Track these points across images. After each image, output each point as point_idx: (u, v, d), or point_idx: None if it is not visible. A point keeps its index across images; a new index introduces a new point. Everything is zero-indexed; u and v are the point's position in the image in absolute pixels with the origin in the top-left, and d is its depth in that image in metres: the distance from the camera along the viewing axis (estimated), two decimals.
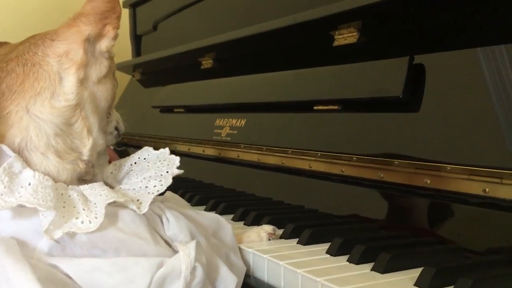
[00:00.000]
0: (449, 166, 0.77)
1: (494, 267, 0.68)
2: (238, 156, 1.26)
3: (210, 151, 1.39)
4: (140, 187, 0.72)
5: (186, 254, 0.64)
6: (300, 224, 0.86)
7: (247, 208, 0.98)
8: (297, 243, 0.81)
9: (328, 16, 1.01)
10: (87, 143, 0.69)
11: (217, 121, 1.39)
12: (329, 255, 0.75)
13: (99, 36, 0.70)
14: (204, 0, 1.66)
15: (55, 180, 0.65)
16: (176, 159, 0.77)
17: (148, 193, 0.71)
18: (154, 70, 1.98)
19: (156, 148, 0.79)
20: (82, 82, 0.69)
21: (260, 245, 0.81)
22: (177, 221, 0.70)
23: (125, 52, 2.20)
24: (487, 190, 0.73)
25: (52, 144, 0.66)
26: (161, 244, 0.67)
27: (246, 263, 0.78)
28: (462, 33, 0.89)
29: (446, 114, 0.83)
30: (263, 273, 0.76)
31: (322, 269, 0.69)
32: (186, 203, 0.83)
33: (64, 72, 0.67)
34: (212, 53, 1.53)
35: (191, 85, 1.62)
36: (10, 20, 2.13)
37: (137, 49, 2.16)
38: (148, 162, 0.77)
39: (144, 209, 0.67)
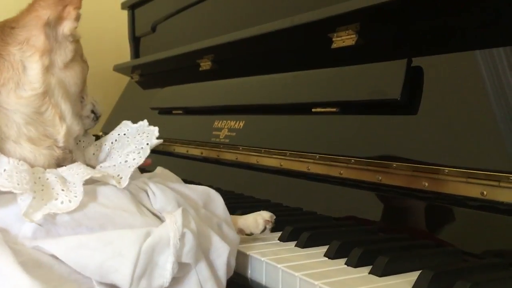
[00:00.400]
0: (447, 169, 0.77)
1: (492, 270, 0.68)
2: (237, 158, 1.26)
3: (208, 153, 1.38)
4: (120, 162, 0.72)
5: (172, 222, 0.63)
6: (298, 226, 0.86)
7: (245, 210, 0.98)
8: (295, 245, 0.81)
9: (326, 18, 1.01)
10: (60, 130, 0.68)
11: (216, 123, 1.39)
12: (327, 258, 0.75)
13: (59, 19, 0.68)
14: (203, 2, 1.66)
15: (32, 166, 0.65)
16: (155, 129, 0.77)
17: (128, 166, 0.70)
18: (152, 71, 1.98)
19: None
20: (48, 69, 0.67)
21: (258, 247, 0.81)
22: (163, 193, 0.69)
23: (123, 53, 2.20)
24: (485, 193, 0.73)
25: (24, 132, 0.65)
26: (148, 216, 0.66)
27: (244, 265, 0.78)
28: (460, 35, 0.89)
29: (444, 116, 0.83)
30: (261, 275, 0.76)
31: (320, 272, 0.69)
32: (177, 178, 0.82)
33: (27, 61, 0.66)
34: (211, 55, 1.53)
35: (189, 87, 1.62)
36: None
37: (135, 51, 2.16)
38: (128, 137, 0.77)
39: (124, 183, 0.66)
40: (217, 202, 0.78)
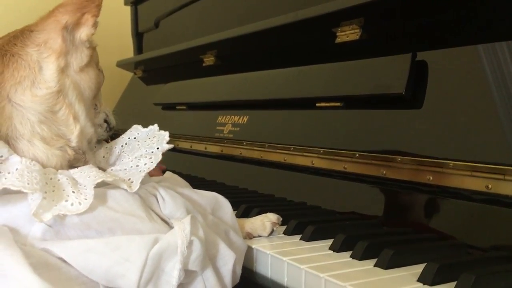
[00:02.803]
0: (451, 163, 0.78)
1: (496, 263, 0.68)
2: (241, 153, 1.26)
3: (212, 148, 1.39)
4: (131, 167, 0.72)
5: (181, 229, 0.64)
6: (303, 220, 0.86)
7: (249, 205, 0.98)
8: (300, 239, 0.82)
9: (330, 13, 1.01)
10: (74, 130, 0.69)
11: (219, 118, 1.39)
12: (332, 251, 0.75)
13: (77, 24, 0.71)
14: None
15: (45, 166, 0.66)
16: (166, 134, 0.77)
17: (140, 171, 0.70)
18: (156, 67, 1.98)
19: None
20: (64, 70, 0.69)
21: (263, 241, 0.82)
22: (173, 199, 0.70)
23: (127, 49, 2.21)
24: (489, 186, 0.73)
25: (37, 131, 0.66)
26: (157, 222, 0.66)
27: (249, 258, 0.78)
28: (464, 30, 0.89)
29: (448, 110, 0.83)
30: (266, 269, 0.76)
31: (325, 265, 0.69)
32: (186, 183, 0.82)
33: (44, 61, 0.68)
34: (214, 50, 1.53)
35: (193, 82, 1.62)
36: (10, 19, 2.13)
37: (139, 47, 2.16)
38: (138, 141, 0.77)
39: (135, 187, 0.67)
40: (225, 208, 0.78)
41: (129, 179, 0.68)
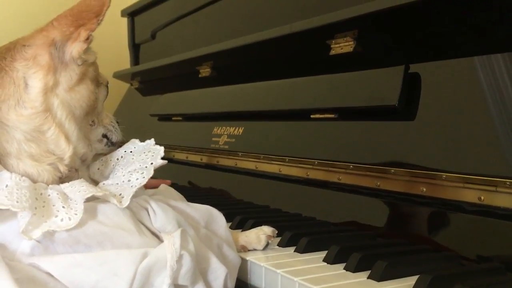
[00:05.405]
0: (444, 174, 0.78)
1: (489, 274, 0.68)
2: (236, 164, 1.26)
3: (208, 159, 1.39)
4: (123, 181, 0.71)
5: (171, 243, 0.63)
6: (297, 232, 0.86)
7: (244, 216, 0.98)
8: (294, 251, 0.82)
9: (324, 25, 1.02)
10: (66, 151, 0.68)
11: (215, 130, 1.39)
12: (326, 263, 0.75)
13: (68, 40, 0.68)
14: (202, 10, 1.67)
15: (36, 181, 0.65)
16: (161, 149, 0.77)
17: (131, 186, 0.70)
18: (152, 78, 1.98)
19: None
20: (52, 89, 0.67)
21: (257, 253, 0.82)
22: (164, 212, 0.69)
23: (123, 60, 2.21)
24: (482, 198, 0.73)
25: (25, 149, 0.65)
26: (147, 236, 0.66)
27: (243, 270, 0.78)
28: (457, 41, 0.90)
29: (441, 122, 0.83)
30: (260, 281, 0.76)
31: (319, 277, 0.69)
32: (180, 196, 0.82)
33: (30, 78, 0.66)
34: (210, 62, 1.53)
35: (189, 93, 1.63)
36: (12, 23, 2.13)
37: (135, 58, 2.17)
38: (133, 155, 0.77)
39: (126, 203, 0.66)
40: (219, 221, 0.78)
41: (120, 194, 0.68)
